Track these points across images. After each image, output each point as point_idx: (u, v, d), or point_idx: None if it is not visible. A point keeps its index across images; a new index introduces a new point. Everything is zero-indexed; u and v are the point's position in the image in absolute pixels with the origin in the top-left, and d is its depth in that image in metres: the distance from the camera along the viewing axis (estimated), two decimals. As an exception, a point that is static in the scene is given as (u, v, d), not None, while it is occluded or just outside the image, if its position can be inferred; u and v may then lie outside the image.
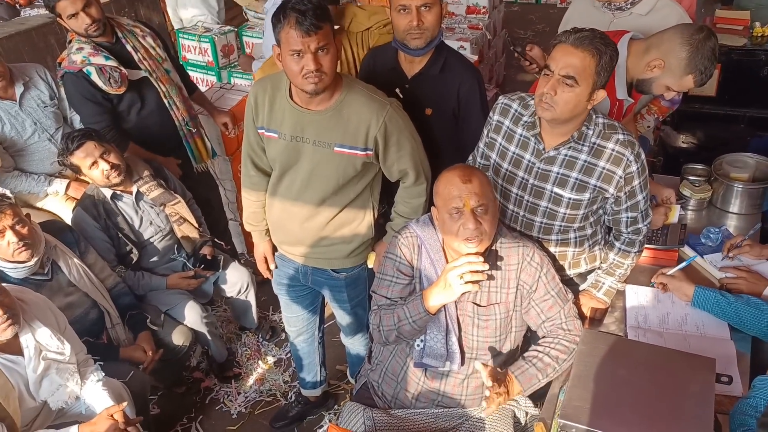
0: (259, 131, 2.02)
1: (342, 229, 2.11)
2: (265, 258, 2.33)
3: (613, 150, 1.83)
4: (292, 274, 2.30)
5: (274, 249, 2.32)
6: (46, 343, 2.06)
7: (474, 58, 3.85)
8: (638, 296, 2.07)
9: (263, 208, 2.22)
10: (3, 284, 2.01)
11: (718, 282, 2.09)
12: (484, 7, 4.92)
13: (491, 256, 1.84)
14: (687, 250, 2.22)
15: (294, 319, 2.49)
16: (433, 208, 1.86)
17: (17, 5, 4.85)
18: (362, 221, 2.12)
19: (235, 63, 4.54)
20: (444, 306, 1.84)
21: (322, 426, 2.74)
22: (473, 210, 1.71)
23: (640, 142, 2.79)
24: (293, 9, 1.73)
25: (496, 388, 1.74)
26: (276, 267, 2.35)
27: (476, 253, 1.73)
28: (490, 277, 1.84)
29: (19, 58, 4.31)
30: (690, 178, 2.47)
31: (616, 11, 2.54)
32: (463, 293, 1.76)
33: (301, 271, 2.26)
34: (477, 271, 1.70)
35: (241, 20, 5.08)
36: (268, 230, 2.26)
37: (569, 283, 2.08)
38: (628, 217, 1.94)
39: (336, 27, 1.94)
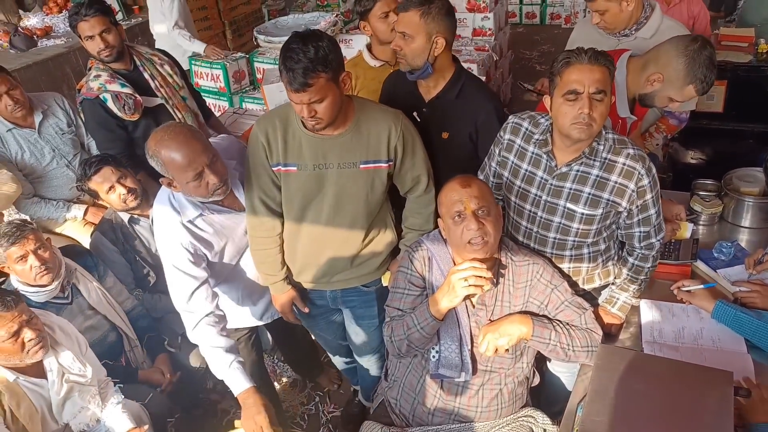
0: (275, 168, 1.99)
1: (372, 243, 2.14)
2: (292, 305, 2.25)
3: (624, 164, 1.86)
4: (321, 303, 2.30)
5: (299, 290, 2.24)
6: (68, 366, 2.10)
7: (482, 78, 3.90)
8: (653, 311, 2.08)
9: (281, 252, 2.15)
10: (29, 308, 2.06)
11: (732, 296, 2.10)
12: (489, 29, 4.99)
13: (498, 267, 1.88)
14: (700, 265, 2.23)
15: (329, 342, 2.54)
16: (439, 219, 1.91)
17: (34, 36, 4.97)
18: (388, 232, 2.16)
19: (247, 88, 4.62)
20: (456, 317, 1.87)
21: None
22: (474, 212, 1.77)
23: (649, 158, 2.82)
24: (285, 66, 1.75)
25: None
26: (310, 307, 2.29)
27: (481, 260, 1.79)
28: (495, 284, 1.88)
29: (36, 87, 4.41)
30: (700, 193, 2.49)
31: (621, 37, 2.60)
32: (469, 299, 1.81)
33: (330, 297, 2.26)
34: (480, 276, 1.75)
35: (252, 46, 5.18)
36: (287, 278, 2.19)
37: (584, 297, 2.09)
38: (641, 232, 1.97)
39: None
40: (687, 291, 2.03)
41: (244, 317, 2.39)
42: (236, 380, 2.00)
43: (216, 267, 2.15)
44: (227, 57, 4.54)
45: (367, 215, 2.06)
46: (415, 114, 2.15)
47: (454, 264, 1.90)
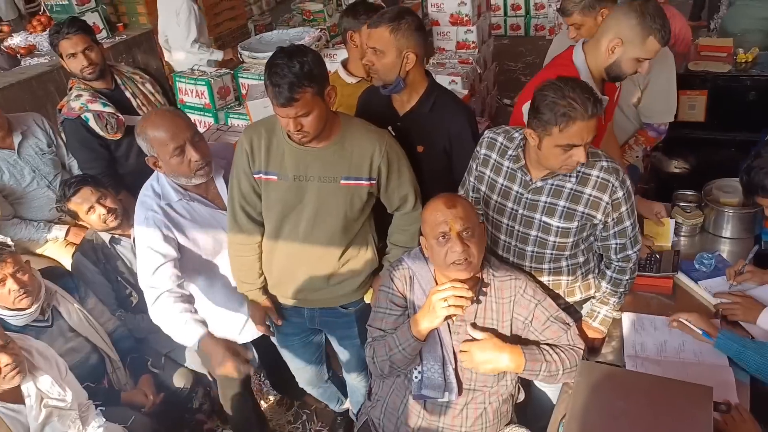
0: (256, 176, 2.01)
1: (350, 262, 2.12)
2: (265, 316, 2.24)
3: (598, 177, 1.87)
4: (297, 321, 2.28)
5: (275, 303, 2.24)
6: (47, 391, 2.07)
7: (464, 92, 3.92)
8: (635, 324, 2.08)
9: (258, 261, 2.15)
10: (6, 332, 2.03)
11: (714, 308, 2.10)
12: (473, 42, 5.02)
13: (480, 286, 1.87)
14: (681, 277, 2.24)
15: (302, 370, 2.49)
16: (421, 237, 1.89)
17: (18, 55, 4.95)
18: (367, 252, 2.15)
19: (232, 104, 4.62)
20: (438, 336, 1.86)
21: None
22: (459, 233, 1.75)
23: (630, 170, 2.85)
24: (270, 81, 1.77)
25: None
26: (284, 320, 2.27)
27: (461, 280, 1.77)
28: (477, 302, 1.87)
29: (19, 106, 4.38)
30: (681, 204, 2.51)
31: None
32: (451, 319, 1.80)
33: (307, 316, 2.24)
34: (461, 296, 1.74)
35: (236, 63, 5.18)
36: (264, 288, 2.20)
37: (567, 310, 2.09)
38: (617, 244, 1.97)
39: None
40: (685, 323, 1.98)
41: (225, 328, 2.34)
42: (191, 330, 1.96)
43: (191, 255, 2.14)
44: (210, 74, 4.53)
45: (345, 232, 2.05)
46: (389, 128, 2.16)
47: (436, 282, 1.89)
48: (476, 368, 1.85)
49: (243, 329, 2.38)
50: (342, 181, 1.97)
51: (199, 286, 2.25)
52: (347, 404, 2.73)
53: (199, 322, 1.99)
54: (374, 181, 1.99)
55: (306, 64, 1.78)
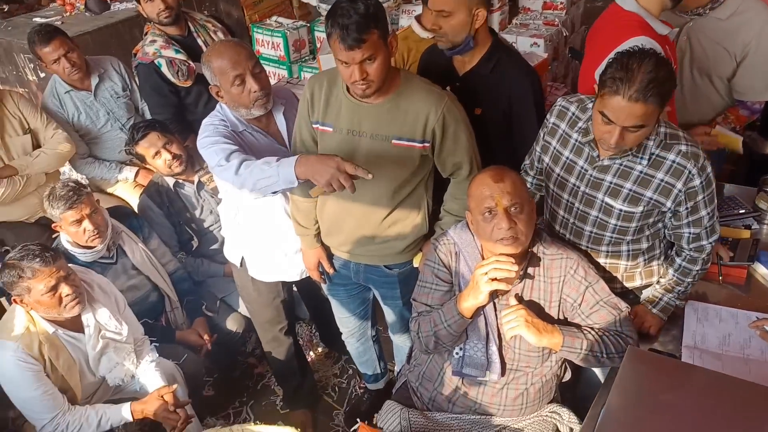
0: (314, 125, 2.01)
1: (397, 225, 2.09)
2: (319, 264, 2.27)
3: (673, 162, 1.72)
4: (345, 273, 2.29)
5: (328, 252, 2.26)
6: (105, 323, 2.18)
7: (544, 56, 3.71)
8: (698, 314, 1.94)
9: (314, 209, 2.17)
10: (70, 265, 2.15)
11: None
12: (561, 3, 4.73)
13: (531, 261, 1.78)
14: (758, 268, 2.06)
15: (346, 320, 2.50)
16: (467, 212, 1.82)
17: (108, 0, 5.12)
18: (417, 217, 2.09)
19: (306, 57, 4.61)
20: (483, 313, 1.80)
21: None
22: (506, 209, 1.67)
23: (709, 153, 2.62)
24: (337, 23, 1.71)
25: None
26: (335, 271, 2.28)
27: (508, 255, 1.69)
28: (527, 276, 1.78)
29: (106, 49, 4.55)
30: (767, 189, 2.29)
31: (693, 15, 2.39)
32: (497, 296, 1.72)
33: (353, 270, 2.24)
34: (504, 270, 1.65)
35: (316, 15, 5.15)
36: (318, 234, 2.21)
37: (623, 295, 1.97)
38: (690, 233, 1.82)
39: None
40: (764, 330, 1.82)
41: (278, 269, 2.38)
42: (285, 165, 1.82)
43: None
44: (287, 26, 4.51)
45: (393, 194, 2.00)
46: (448, 88, 2.07)
47: (482, 258, 1.82)
48: (513, 329, 1.74)
49: (295, 268, 2.38)
50: (394, 141, 1.91)
51: (256, 220, 2.27)
52: (381, 384, 2.73)
53: (287, 157, 1.87)
54: (428, 144, 1.92)
55: (371, 6, 1.73)
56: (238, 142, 2.03)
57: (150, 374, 2.28)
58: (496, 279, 1.67)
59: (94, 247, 2.40)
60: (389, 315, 2.39)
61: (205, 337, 2.64)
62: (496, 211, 1.67)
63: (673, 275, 1.91)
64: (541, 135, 1.96)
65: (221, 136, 2.02)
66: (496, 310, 1.82)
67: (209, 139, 2.03)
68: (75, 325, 2.14)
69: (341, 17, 1.70)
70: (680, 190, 1.73)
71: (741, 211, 2.29)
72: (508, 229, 1.66)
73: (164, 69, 2.82)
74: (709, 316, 1.92)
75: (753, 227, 2.23)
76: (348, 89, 1.91)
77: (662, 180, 1.73)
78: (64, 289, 2.02)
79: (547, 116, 1.95)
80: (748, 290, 2.04)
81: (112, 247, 2.50)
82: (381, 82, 1.82)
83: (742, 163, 3.23)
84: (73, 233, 2.34)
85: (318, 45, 4.70)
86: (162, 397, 2.15)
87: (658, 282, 1.97)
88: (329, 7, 4.89)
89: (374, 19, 1.73)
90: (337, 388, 2.93)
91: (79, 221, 2.33)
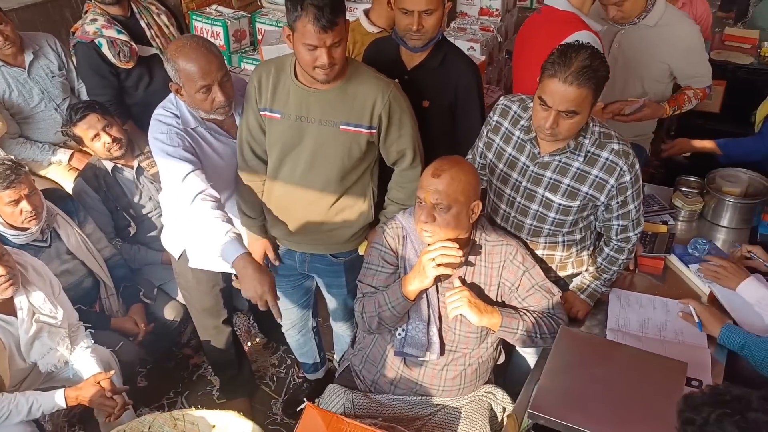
0: (262, 113, 2.03)
1: (343, 213, 2.13)
2: (264, 255, 2.26)
3: (607, 159, 1.86)
4: (290, 264, 2.30)
5: (273, 243, 2.28)
6: (39, 306, 2.11)
7: (481, 59, 3.87)
8: (621, 299, 2.10)
9: (260, 198, 2.18)
10: (2, 245, 2.06)
11: (700, 272, 2.13)
12: (497, 10, 4.93)
13: (473, 249, 1.88)
14: (673, 259, 2.25)
15: (288, 312, 2.50)
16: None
17: (36, -23, 4.88)
18: (363, 205, 2.15)
19: (247, 48, 4.57)
20: (426, 296, 1.88)
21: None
22: (433, 205, 1.75)
23: (636, 150, 2.83)
24: (311, 4, 1.73)
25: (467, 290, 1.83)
26: (281, 262, 2.30)
27: (454, 239, 1.78)
28: (468, 264, 1.88)
29: (33, 29, 4.31)
30: (683, 189, 2.50)
31: (629, 25, 2.60)
32: (440, 280, 1.80)
33: (298, 259, 2.26)
34: (450, 255, 1.74)
35: (255, 6, 5.11)
36: (264, 225, 2.23)
37: (556, 282, 2.11)
38: (618, 225, 1.97)
39: None
40: (701, 306, 1.98)
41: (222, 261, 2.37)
42: (232, 248, 1.90)
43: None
44: (227, 15, 4.47)
45: (341, 179, 2.05)
46: (396, 81, 2.15)
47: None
48: (456, 308, 1.83)
49: None
50: (341, 127, 1.96)
51: None
52: (320, 374, 2.76)
53: (239, 241, 1.92)
54: (374, 130, 1.98)
55: None
56: (188, 143, 2.02)
57: (85, 360, 2.23)
58: (441, 264, 1.75)
59: (29, 228, 2.31)
60: (332, 303, 2.43)
61: (141, 325, 2.59)
62: (423, 202, 1.77)
63: (601, 263, 2.07)
64: (485, 132, 2.07)
65: (179, 147, 2.00)
66: (438, 293, 1.91)
67: (166, 147, 2.01)
68: (6, 308, 2.06)
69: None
70: (612, 185, 1.87)
71: (659, 208, 2.48)
72: (425, 222, 1.76)
73: (105, 49, 2.75)
74: (631, 302, 2.09)
75: (669, 223, 2.43)
76: (296, 75, 1.94)
77: (597, 176, 1.87)
78: (-5, 270, 1.94)
79: (490, 114, 2.05)
80: (664, 279, 2.22)
81: (46, 230, 2.42)
82: (342, 67, 1.88)
83: (660, 167, 3.50)
84: (9, 214, 2.25)
85: (259, 36, 4.68)
86: (98, 383, 2.10)
87: (586, 270, 2.12)
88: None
89: (341, 3, 1.79)
90: (275, 378, 2.94)
91: (17, 201, 2.23)
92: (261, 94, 2.01)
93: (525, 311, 1.90)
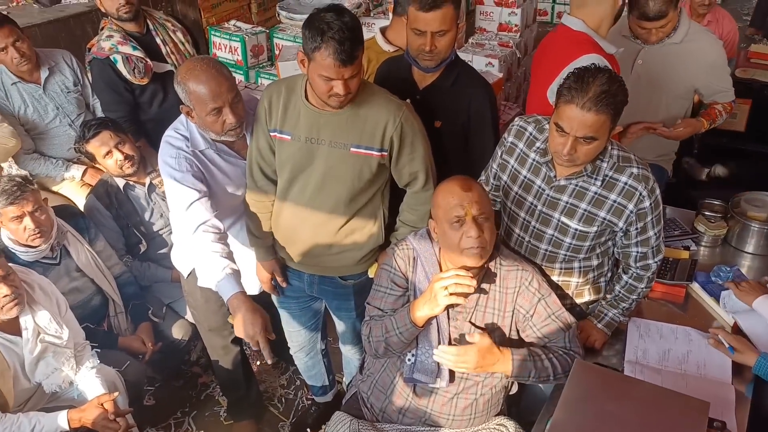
0: (272, 134, 2.00)
1: (353, 235, 2.09)
2: (272, 277, 2.24)
3: (626, 184, 1.79)
4: (297, 285, 2.26)
5: (281, 264, 2.23)
6: (44, 326, 2.09)
7: (499, 75, 3.82)
8: (640, 329, 2.01)
9: (269, 219, 2.15)
10: (10, 264, 2.05)
11: (729, 322, 2.03)
12: (516, 26, 4.88)
13: (488, 277, 1.82)
14: (695, 287, 2.16)
15: (295, 334, 2.46)
16: (430, 220, 1.84)
17: (59, -8, 4.96)
18: (373, 227, 2.10)
19: (264, 64, 4.58)
20: (436, 321, 1.82)
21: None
22: (475, 218, 1.69)
23: (657, 171, 2.75)
24: (332, 38, 1.69)
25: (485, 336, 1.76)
26: (288, 284, 2.26)
27: (467, 268, 1.72)
28: (481, 292, 1.81)
29: (55, 44, 4.39)
30: (706, 213, 2.41)
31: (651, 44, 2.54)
32: (452, 307, 1.75)
33: (307, 281, 2.22)
34: (464, 285, 1.68)
35: (274, 21, 5.13)
36: (272, 246, 2.19)
37: (572, 310, 2.03)
38: (638, 252, 1.90)
39: None
40: (733, 336, 1.89)
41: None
42: (228, 285, 1.90)
43: (215, 202, 2.10)
44: (246, 31, 4.49)
45: (351, 202, 2.00)
46: (408, 101, 2.10)
47: (440, 266, 1.84)
48: (467, 369, 1.79)
49: (254, 282, 2.35)
50: (352, 149, 1.92)
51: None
52: (329, 397, 2.71)
53: (236, 278, 1.92)
54: (386, 153, 1.94)
55: (356, 21, 1.76)
56: (197, 168, 2.01)
57: (90, 381, 2.20)
58: (454, 294, 1.69)
59: (37, 246, 2.30)
60: (341, 326, 2.38)
61: (149, 344, 2.56)
62: (465, 219, 1.69)
63: (620, 291, 1.99)
64: (499, 153, 2.01)
65: (187, 173, 1.99)
66: (449, 318, 1.84)
67: (174, 172, 2.00)
68: (12, 327, 2.04)
69: (335, 33, 1.69)
70: (631, 211, 1.80)
71: (680, 233, 2.40)
72: (477, 237, 1.68)
73: (120, 65, 2.75)
74: (651, 332, 2.00)
75: (691, 248, 2.34)
76: (307, 97, 1.91)
77: (615, 201, 1.80)
78: (2, 290, 1.93)
79: (505, 135, 2.00)
80: (686, 308, 2.13)
81: (56, 248, 2.40)
82: (356, 94, 1.85)
83: (681, 188, 3.40)
84: (14, 230, 2.24)
85: (277, 52, 4.68)
86: (102, 405, 2.07)
87: (604, 298, 2.05)
88: (289, 14, 4.85)
89: (361, 35, 1.76)
90: (283, 399, 2.89)
91: (20, 218, 2.23)
92: (271, 115, 1.98)
93: (540, 351, 1.82)
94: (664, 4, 2.38)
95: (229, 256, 1.95)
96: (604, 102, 1.62)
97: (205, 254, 1.93)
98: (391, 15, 2.67)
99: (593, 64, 1.71)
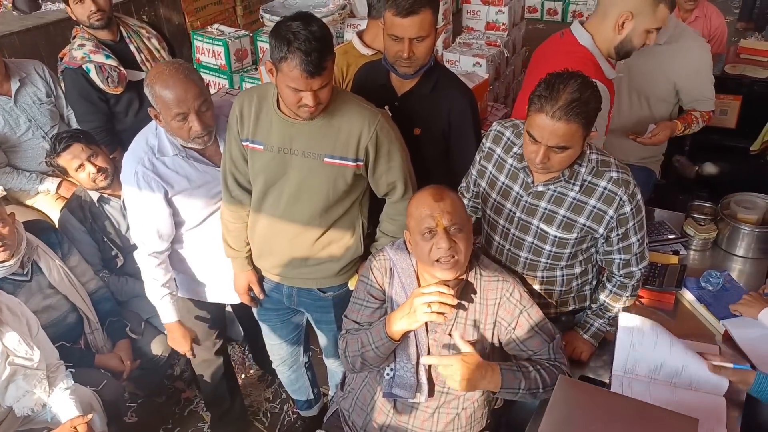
0: (244, 143, 1.94)
1: (330, 247, 2.03)
2: (249, 288, 2.19)
3: (605, 189, 1.73)
4: (277, 297, 2.20)
5: (258, 276, 2.19)
6: (13, 348, 2.02)
7: (486, 76, 3.75)
8: (633, 337, 1.93)
9: (245, 230, 2.09)
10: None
11: (720, 330, 1.96)
12: (503, 24, 4.82)
13: (467, 289, 1.75)
14: (685, 293, 2.10)
15: (277, 347, 2.41)
16: (405, 231, 1.78)
17: (39, -1, 4.88)
18: (351, 238, 2.04)
19: (248, 68, 4.51)
20: (414, 334, 1.76)
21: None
22: (446, 229, 1.63)
23: (645, 174, 2.69)
24: (299, 49, 1.64)
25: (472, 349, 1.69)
26: (265, 296, 2.21)
27: (448, 283, 1.66)
28: (461, 307, 1.74)
29: (35, 52, 4.32)
30: (695, 216, 2.35)
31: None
32: (431, 322, 1.68)
33: (285, 293, 2.17)
34: (445, 303, 1.61)
35: (260, 24, 5.06)
36: (249, 257, 2.14)
37: (556, 320, 1.97)
38: (620, 259, 1.84)
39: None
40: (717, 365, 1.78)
41: (216, 287, 2.30)
42: (166, 312, 2.20)
43: (184, 210, 2.10)
44: (229, 35, 4.41)
45: (326, 213, 1.94)
46: (386, 107, 2.04)
47: (417, 278, 1.78)
48: (453, 387, 1.70)
49: (232, 291, 2.29)
50: (326, 159, 1.86)
51: (192, 243, 2.19)
52: (314, 411, 2.65)
53: (174, 306, 2.20)
54: (361, 163, 1.87)
55: (325, 29, 1.70)
56: (156, 182, 2.00)
57: (63, 403, 2.12)
58: (435, 312, 1.62)
59: (3, 261, 2.23)
60: (323, 339, 2.32)
61: (127, 362, 2.50)
62: (436, 230, 1.64)
63: (604, 301, 1.93)
64: (478, 159, 1.95)
65: (145, 189, 2.00)
66: (427, 331, 1.78)
67: (132, 189, 2.01)
68: (-21, 351, 1.97)
69: (302, 43, 1.63)
70: (612, 217, 1.74)
71: (670, 237, 2.33)
72: (448, 248, 1.62)
73: (93, 75, 2.68)
74: (639, 342, 1.91)
75: (681, 252, 2.28)
76: (279, 106, 1.85)
77: (594, 206, 1.74)
78: (-35, 314, 1.86)
79: (483, 140, 1.94)
80: (675, 315, 2.07)
81: (26, 263, 2.33)
82: (327, 104, 1.78)
83: (671, 187, 3.34)
84: None
85: (260, 55, 4.61)
86: (75, 428, 2.00)
87: (589, 308, 1.98)
88: (272, 17, 4.77)
89: (330, 45, 1.70)
90: (268, 413, 2.82)
91: None
92: (243, 124, 1.92)
93: (526, 363, 1.76)
94: None
95: (169, 284, 2.17)
96: (575, 111, 1.56)
97: (148, 279, 2.15)
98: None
99: (566, 68, 1.64)
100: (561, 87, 1.57)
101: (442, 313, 1.63)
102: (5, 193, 2.27)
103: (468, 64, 4.30)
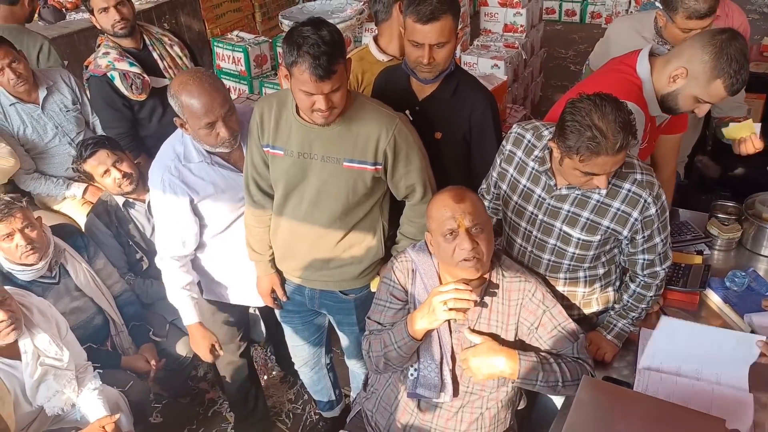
0: (264, 149, 1.97)
1: (351, 249, 2.05)
2: (272, 291, 2.22)
3: (629, 191, 1.72)
4: (299, 300, 2.23)
5: (281, 278, 2.21)
6: (44, 349, 2.07)
7: (504, 78, 3.75)
8: (653, 339, 1.93)
9: (268, 233, 2.12)
10: (6, 288, 2.03)
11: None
12: (521, 26, 4.82)
13: (489, 287, 1.76)
14: (709, 294, 2.08)
15: (299, 348, 2.43)
16: (426, 233, 1.79)
17: (64, 9, 4.98)
18: (372, 241, 2.06)
19: (268, 73, 4.56)
20: (437, 333, 1.77)
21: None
22: (468, 230, 1.64)
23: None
24: (308, 53, 1.66)
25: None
26: (288, 298, 2.24)
27: (467, 281, 1.67)
28: (483, 305, 1.75)
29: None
30: (719, 215, 2.33)
31: (660, 42, 2.42)
32: (452, 321, 1.70)
33: (307, 295, 2.19)
34: (464, 300, 1.62)
35: (277, 31, 5.11)
36: (272, 260, 2.16)
37: (580, 321, 1.96)
38: (644, 260, 1.83)
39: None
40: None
41: (240, 290, 2.33)
42: (187, 313, 2.21)
43: (209, 216, 2.13)
44: (248, 41, 4.46)
45: (347, 216, 1.96)
46: (407, 112, 2.05)
47: (439, 279, 1.79)
48: (473, 375, 1.75)
49: (255, 293, 2.32)
50: (345, 164, 1.88)
51: (217, 247, 2.22)
52: (336, 412, 2.67)
53: (195, 308, 2.21)
54: (380, 166, 1.89)
55: (335, 33, 1.71)
56: (182, 189, 2.04)
57: (92, 403, 2.17)
58: (453, 309, 1.63)
59: (32, 264, 2.28)
60: (345, 341, 2.34)
61: (152, 362, 2.54)
62: (458, 231, 1.65)
63: (628, 301, 1.92)
64: (498, 161, 1.95)
65: (170, 194, 2.04)
66: (450, 330, 1.79)
67: (158, 194, 2.06)
68: (11, 351, 2.02)
69: (310, 47, 1.66)
70: (636, 219, 1.73)
71: (693, 237, 2.32)
72: (470, 249, 1.63)
73: (117, 82, 2.73)
74: (662, 343, 1.89)
75: (705, 252, 2.26)
76: (298, 111, 1.88)
77: (619, 209, 1.74)
78: (-1, 315, 1.91)
79: (504, 143, 1.94)
80: (699, 317, 2.05)
81: (54, 266, 2.38)
82: (342, 108, 1.80)
83: (693, 187, 3.31)
84: (6, 249, 2.23)
85: (280, 61, 4.66)
86: (103, 427, 2.04)
87: (612, 308, 1.98)
88: (291, 23, 4.84)
89: (340, 48, 1.72)
90: (291, 414, 2.85)
91: (10, 236, 2.21)
92: (263, 130, 1.95)
93: (547, 355, 1.76)
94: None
95: (191, 286, 2.19)
96: (627, 138, 1.57)
97: (168, 281, 2.19)
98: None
99: (591, 97, 1.61)
100: (604, 125, 1.57)
101: (462, 310, 1.64)
102: (24, 200, 2.31)
103: (486, 67, 4.30)
